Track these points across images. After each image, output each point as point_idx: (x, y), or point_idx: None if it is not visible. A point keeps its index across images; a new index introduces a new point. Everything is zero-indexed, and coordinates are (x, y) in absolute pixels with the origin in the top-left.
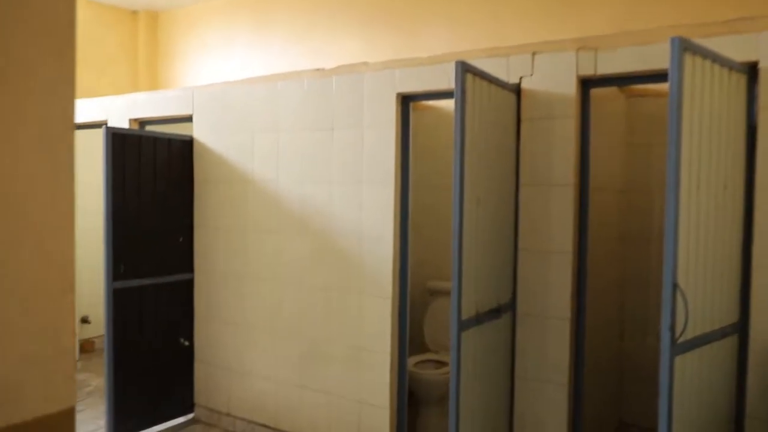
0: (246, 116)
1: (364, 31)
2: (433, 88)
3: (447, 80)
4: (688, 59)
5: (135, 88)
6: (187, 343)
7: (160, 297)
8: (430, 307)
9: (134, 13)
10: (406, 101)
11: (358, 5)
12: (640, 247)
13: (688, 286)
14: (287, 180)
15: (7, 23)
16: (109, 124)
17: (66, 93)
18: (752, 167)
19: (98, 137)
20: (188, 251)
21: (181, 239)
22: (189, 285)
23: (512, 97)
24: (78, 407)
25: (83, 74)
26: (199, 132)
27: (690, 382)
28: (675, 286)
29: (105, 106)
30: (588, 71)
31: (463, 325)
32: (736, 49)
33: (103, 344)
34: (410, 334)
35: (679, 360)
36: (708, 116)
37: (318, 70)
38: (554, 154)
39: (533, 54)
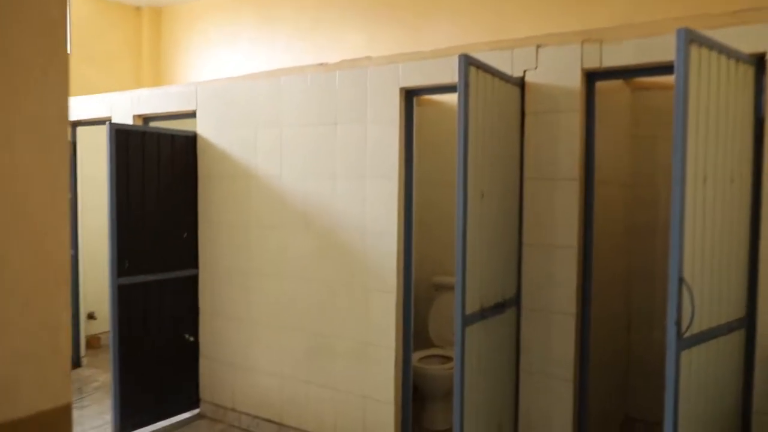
0: (249, 111)
1: (368, 27)
2: (436, 82)
3: (451, 74)
4: (694, 51)
5: (139, 84)
6: (192, 339)
7: (165, 293)
8: (435, 302)
9: (138, 9)
10: (409, 95)
11: (362, 1)
12: (646, 241)
13: (695, 280)
14: (290, 175)
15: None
16: (113, 121)
17: (60, 90)
18: (760, 160)
19: (102, 134)
20: (193, 247)
21: (185, 235)
22: (194, 281)
23: (516, 91)
24: (84, 402)
25: (87, 70)
26: (202, 127)
27: (696, 377)
28: (681, 280)
29: (109, 102)
30: (593, 64)
31: (467, 320)
32: (744, 40)
33: (109, 340)
34: (415, 330)
35: (685, 354)
36: (714, 109)
37: (321, 64)
38: (559, 148)
39: (537, 47)
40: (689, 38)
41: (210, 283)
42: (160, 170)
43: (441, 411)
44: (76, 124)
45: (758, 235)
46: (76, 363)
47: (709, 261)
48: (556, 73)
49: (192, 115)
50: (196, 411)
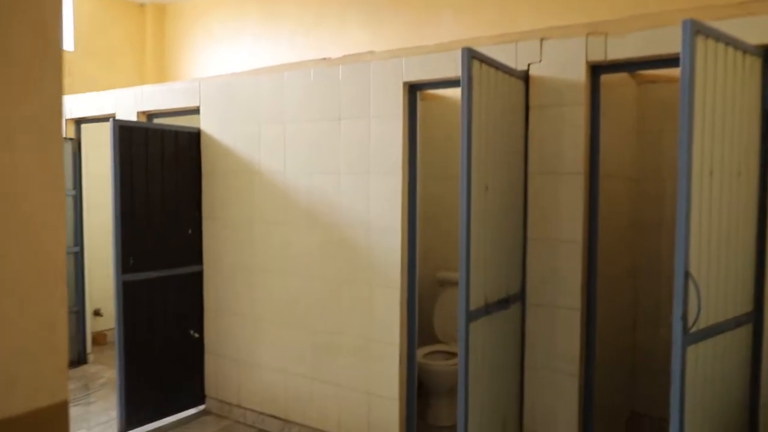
0: (253, 107)
1: (371, 23)
2: (440, 77)
3: (454, 68)
4: (701, 42)
5: (143, 80)
6: (197, 335)
7: (170, 289)
8: (439, 298)
9: (142, 5)
10: (413, 90)
11: None
12: (652, 236)
13: (701, 274)
14: (294, 171)
15: None
16: (117, 118)
17: (53, 86)
18: (767, 153)
19: (107, 131)
20: (197, 243)
21: (189, 231)
22: (198, 277)
23: (520, 84)
24: (90, 399)
25: (91, 67)
26: (206, 124)
27: (703, 372)
28: (687, 274)
29: (113, 99)
30: (598, 57)
31: (471, 316)
32: (750, 31)
33: (114, 337)
34: (420, 326)
35: (691, 350)
36: (721, 101)
37: (324, 59)
38: (563, 142)
39: (541, 40)
40: (695, 29)
41: (214, 280)
42: (164, 167)
43: (446, 407)
44: (80, 121)
45: (765, 229)
46: (83, 360)
47: (716, 255)
48: (561, 66)
49: (195, 111)
50: (201, 407)
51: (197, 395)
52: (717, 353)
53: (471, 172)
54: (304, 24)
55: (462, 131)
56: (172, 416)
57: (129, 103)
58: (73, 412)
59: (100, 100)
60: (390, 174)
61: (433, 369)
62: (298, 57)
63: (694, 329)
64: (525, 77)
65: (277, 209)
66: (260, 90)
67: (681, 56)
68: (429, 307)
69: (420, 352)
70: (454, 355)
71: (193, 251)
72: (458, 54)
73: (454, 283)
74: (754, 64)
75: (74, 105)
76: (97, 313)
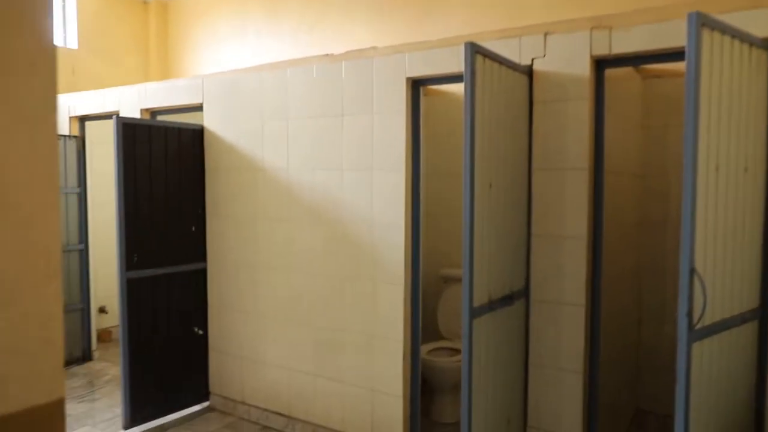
0: (256, 104)
1: (375, 19)
2: (443, 72)
3: (457, 63)
4: (706, 35)
5: (147, 78)
6: (201, 332)
7: (174, 286)
8: (443, 295)
9: (145, 3)
10: (416, 85)
11: None
12: (657, 232)
13: (706, 271)
14: (297, 167)
15: None
16: (121, 115)
17: (46, 76)
18: None
19: (110, 128)
20: (201, 240)
21: (193, 228)
22: (202, 274)
23: (524, 79)
24: (95, 396)
25: (95, 65)
26: (209, 121)
27: (708, 369)
28: (692, 271)
29: (116, 96)
30: (602, 51)
31: (474, 312)
32: (757, 24)
33: (118, 334)
34: (424, 322)
35: (696, 346)
36: (727, 95)
37: (327, 55)
38: (568, 137)
39: (545, 34)
40: (701, 22)
41: (218, 277)
42: (167, 164)
43: (449, 404)
44: (84, 118)
45: None
46: (88, 356)
47: (722, 251)
48: (565, 60)
49: (199, 108)
50: (206, 404)
51: (201, 392)
52: (723, 350)
53: (474, 168)
54: (306, 20)
55: (465, 126)
56: (177, 413)
57: (132, 100)
58: (78, 408)
59: (104, 98)
60: (393, 170)
61: (436, 366)
62: (301, 53)
63: (699, 326)
64: (529, 72)
65: (280, 206)
66: (263, 87)
67: (686, 49)
68: (433, 304)
69: (424, 349)
70: (457, 351)
71: (197, 248)
72: (461, 49)
73: (458, 280)
74: (761, 57)
75: (78, 102)
76: (102, 310)
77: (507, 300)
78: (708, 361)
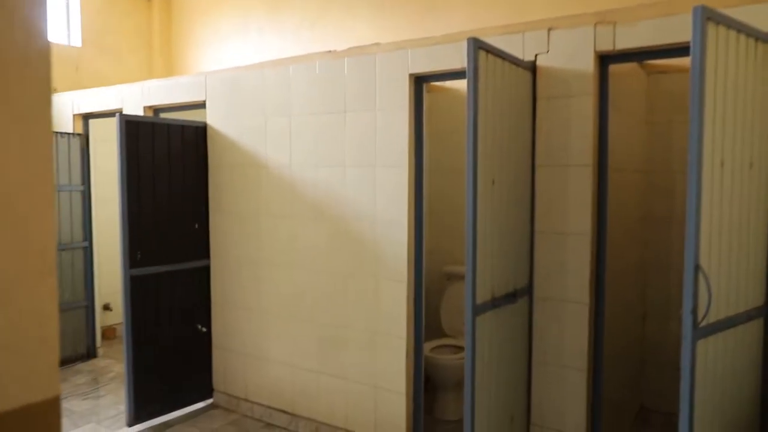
0: (258, 101)
1: (378, 15)
2: (446, 68)
3: (460, 59)
4: (712, 29)
5: (150, 75)
6: (204, 329)
7: (177, 284)
8: (446, 292)
9: (148, 0)
10: (419, 82)
11: None
12: (662, 229)
13: (711, 268)
14: (300, 164)
15: None
16: (124, 112)
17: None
18: None
19: (114, 125)
20: (204, 237)
21: (196, 225)
22: (205, 271)
23: (528, 75)
24: (99, 393)
25: (99, 63)
26: (212, 118)
27: (713, 367)
28: (697, 267)
29: (120, 94)
30: (606, 46)
31: (478, 310)
32: (764, 18)
33: (122, 331)
34: (427, 319)
35: (701, 344)
36: (733, 90)
37: (329, 52)
38: (571, 134)
39: (549, 30)
40: (706, 16)
41: (221, 274)
42: (170, 161)
43: (453, 401)
44: (87, 116)
45: None
46: (92, 354)
47: (727, 248)
48: (569, 56)
49: (202, 105)
50: (209, 401)
51: (205, 389)
52: (728, 348)
53: (477, 164)
54: (309, 17)
55: (468, 124)
56: (180, 410)
57: (135, 97)
58: (83, 405)
59: (107, 95)
60: (396, 167)
61: (440, 363)
62: (303, 50)
63: (704, 323)
64: (532, 68)
65: (283, 202)
66: (266, 83)
67: (691, 44)
68: (436, 301)
69: (427, 346)
70: (461, 349)
71: (200, 245)
72: (464, 45)
73: (461, 277)
74: (767, 51)
75: (81, 100)
76: (106, 307)
77: (510, 297)
78: (713, 358)
